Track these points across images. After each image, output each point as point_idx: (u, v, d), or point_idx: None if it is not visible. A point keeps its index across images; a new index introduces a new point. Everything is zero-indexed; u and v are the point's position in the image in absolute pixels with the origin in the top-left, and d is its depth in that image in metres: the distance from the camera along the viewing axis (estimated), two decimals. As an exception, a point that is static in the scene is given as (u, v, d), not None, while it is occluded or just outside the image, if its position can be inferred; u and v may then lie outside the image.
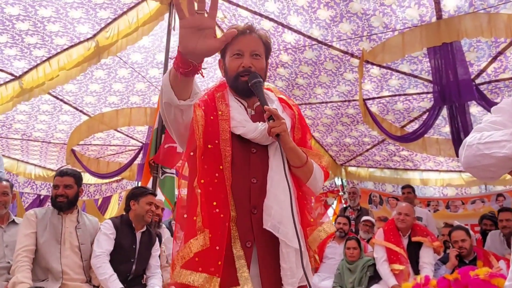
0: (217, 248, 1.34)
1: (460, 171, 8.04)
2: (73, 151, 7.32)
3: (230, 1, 4.67)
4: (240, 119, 1.50)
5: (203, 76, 1.31)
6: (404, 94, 5.81)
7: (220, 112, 1.51)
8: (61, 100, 6.28)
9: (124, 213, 3.40)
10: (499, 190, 7.47)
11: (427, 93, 5.63)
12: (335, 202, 9.07)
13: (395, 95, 5.86)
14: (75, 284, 2.93)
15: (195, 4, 1.19)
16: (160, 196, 4.43)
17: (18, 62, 5.20)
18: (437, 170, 8.41)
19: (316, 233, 1.49)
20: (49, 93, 5.94)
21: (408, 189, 6.37)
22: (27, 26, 4.70)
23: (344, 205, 7.55)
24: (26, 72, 5.34)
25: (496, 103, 5.01)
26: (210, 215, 1.36)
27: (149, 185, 4.52)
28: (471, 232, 4.32)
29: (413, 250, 4.30)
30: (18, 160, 8.92)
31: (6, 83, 5.45)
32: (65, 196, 3.06)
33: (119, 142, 8.20)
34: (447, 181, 8.29)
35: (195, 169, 1.41)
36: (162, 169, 4.70)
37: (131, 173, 8.24)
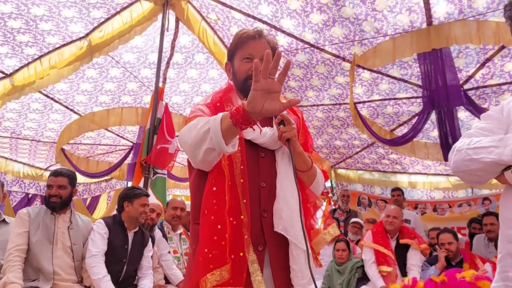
0: (232, 256, 1.35)
1: (447, 175, 8.16)
2: (62, 150, 7.28)
3: (223, 3, 4.69)
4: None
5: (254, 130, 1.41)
6: (394, 98, 5.88)
7: None
8: (52, 98, 6.24)
9: (117, 213, 3.40)
10: (485, 194, 7.59)
11: (417, 97, 5.71)
12: (325, 203, 9.14)
13: (385, 99, 5.93)
14: (67, 284, 2.92)
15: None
16: (151, 197, 4.43)
17: (9, 60, 5.16)
18: (425, 174, 8.53)
19: (321, 236, 1.53)
20: (40, 92, 5.90)
21: (398, 191, 6.45)
22: (19, 24, 4.68)
23: (333, 207, 7.61)
24: (17, 70, 5.29)
25: (483, 109, 5.12)
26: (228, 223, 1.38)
27: (140, 185, 4.51)
28: (459, 235, 4.40)
29: (401, 252, 4.37)
30: (6, 158, 8.83)
31: (-4, 81, 5.40)
32: (58, 197, 3.05)
33: (109, 142, 8.17)
34: (434, 185, 8.42)
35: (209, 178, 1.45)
36: (153, 170, 4.71)
37: (121, 172, 8.22)
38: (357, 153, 7.98)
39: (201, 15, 4.97)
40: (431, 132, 6.45)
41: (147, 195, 3.43)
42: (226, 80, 5.94)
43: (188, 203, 4.62)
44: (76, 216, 3.21)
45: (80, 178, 8.95)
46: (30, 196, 9.80)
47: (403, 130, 6.42)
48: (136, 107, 6.49)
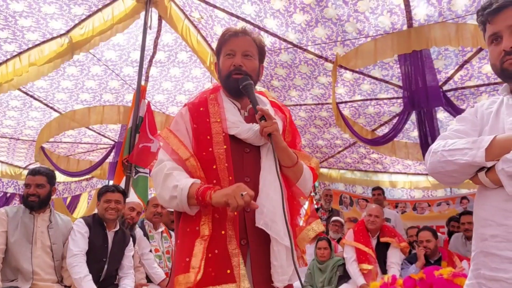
0: (216, 251, 1.39)
1: (427, 174, 8.29)
2: (42, 148, 7.16)
3: (207, 2, 4.68)
4: (234, 120, 1.55)
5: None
6: (376, 99, 5.96)
7: (212, 116, 1.56)
8: (32, 96, 6.13)
9: (96, 213, 3.38)
10: (463, 193, 7.76)
11: (397, 98, 5.80)
12: (307, 203, 9.19)
13: (366, 100, 6.01)
14: (46, 284, 2.89)
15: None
16: (133, 196, 4.40)
17: (-13, 56, 5.06)
18: (405, 173, 8.67)
19: (305, 232, 1.55)
20: (19, 89, 5.79)
21: (378, 190, 6.54)
22: (-2, 20, 4.59)
23: (316, 206, 7.67)
24: (-5, 67, 5.19)
25: (461, 109, 5.24)
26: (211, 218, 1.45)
27: (122, 184, 4.48)
28: (438, 233, 4.48)
29: (381, 251, 4.44)
30: (-17, 156, 8.65)
31: (-26, 78, 5.28)
32: (36, 196, 3.01)
33: (90, 140, 8.07)
34: (414, 184, 8.56)
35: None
36: (135, 169, 4.68)
37: (102, 171, 8.12)
38: (339, 152, 8.06)
39: (184, 13, 4.95)
40: (411, 132, 6.56)
41: (113, 191, 3.35)
42: (209, 79, 5.91)
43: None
44: (55, 215, 3.17)
45: (60, 177, 8.81)
46: (8, 195, 9.62)
47: (384, 130, 6.51)
48: (118, 105, 6.42)
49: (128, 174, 4.61)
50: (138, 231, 3.98)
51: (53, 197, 3.23)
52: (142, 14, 4.75)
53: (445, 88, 5.34)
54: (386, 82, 5.49)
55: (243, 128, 1.52)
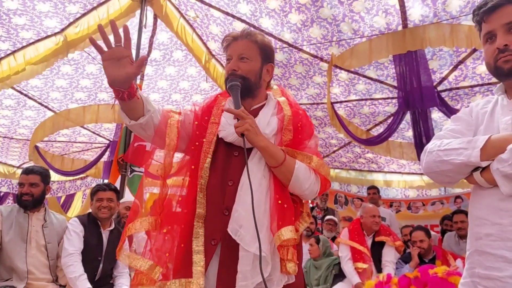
0: (167, 238, 1.46)
1: (421, 174, 8.34)
2: (36, 147, 7.12)
3: (202, 1, 4.68)
4: (223, 123, 1.57)
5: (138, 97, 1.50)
6: (370, 99, 5.99)
7: (212, 117, 1.59)
8: (26, 95, 6.09)
9: (91, 212, 3.37)
10: (457, 192, 7.80)
11: (392, 98, 5.83)
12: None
13: (361, 99, 6.03)
14: (41, 283, 2.88)
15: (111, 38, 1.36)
16: (128, 195, 4.39)
17: (-19, 54, 5.03)
18: (399, 172, 8.71)
19: (276, 236, 1.42)
20: (13, 88, 5.76)
21: (374, 190, 6.57)
22: (-9, 18, 4.56)
23: (311, 205, 7.69)
24: (-11, 65, 5.15)
25: (456, 110, 5.27)
26: (171, 212, 1.51)
27: (117, 183, 4.47)
28: (432, 232, 4.50)
29: (376, 249, 4.45)
30: (-23, 155, 8.59)
31: (-33, 76, 5.24)
32: (30, 195, 2.99)
33: (85, 139, 8.03)
34: (409, 183, 8.60)
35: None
36: (130, 168, 4.66)
37: (96, 170, 8.09)
38: (334, 152, 8.08)
39: (179, 12, 4.94)
40: (406, 132, 6.59)
41: (104, 190, 3.33)
42: (204, 78, 5.89)
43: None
44: (50, 214, 3.16)
45: (55, 176, 8.77)
46: (2, 194, 9.57)
47: (379, 129, 6.54)
48: (113, 104, 6.38)
49: (123, 173, 4.60)
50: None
51: (48, 196, 3.21)
52: (137, 12, 4.73)
53: (439, 88, 5.37)
54: (381, 82, 5.52)
55: (229, 131, 1.53)
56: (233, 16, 4.75)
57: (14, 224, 2.91)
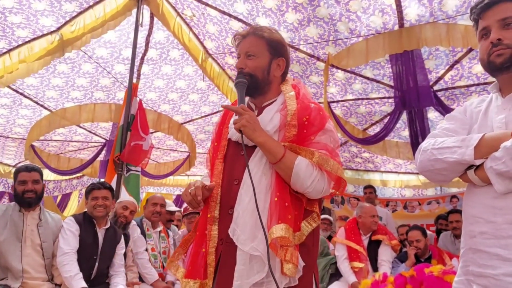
0: (196, 249, 1.55)
1: (417, 173, 8.36)
2: (32, 146, 7.09)
3: (199, 0, 4.67)
4: (230, 123, 1.58)
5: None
6: (367, 98, 5.99)
7: (228, 119, 1.64)
8: (21, 94, 6.07)
9: (86, 211, 3.36)
10: (453, 192, 7.83)
11: (389, 98, 5.84)
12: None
13: (358, 99, 6.04)
14: (36, 283, 2.87)
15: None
16: (124, 194, 4.38)
17: (-24, 53, 5.00)
18: (396, 172, 8.73)
19: (268, 234, 1.38)
20: (9, 87, 5.73)
21: (370, 189, 6.58)
22: (-13, 16, 4.54)
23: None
24: (-16, 64, 5.12)
25: (452, 109, 5.27)
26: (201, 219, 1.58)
27: (113, 182, 4.46)
28: (428, 232, 4.51)
29: (373, 248, 4.46)
30: (-28, 154, 8.55)
31: (-37, 74, 5.21)
32: (34, 192, 3.00)
33: (81, 138, 8.01)
34: (405, 183, 8.62)
35: None
36: (127, 167, 4.66)
37: (93, 170, 8.08)
38: (331, 151, 8.07)
39: (176, 11, 4.93)
40: (402, 131, 6.61)
41: (99, 188, 3.33)
42: (201, 77, 5.87)
43: (167, 201, 4.61)
44: (45, 213, 3.15)
45: (51, 175, 8.75)
46: (-2, 193, 9.53)
47: (375, 129, 6.55)
48: (109, 103, 6.39)
49: (120, 172, 4.59)
50: (136, 229, 3.93)
51: (44, 195, 3.21)
52: (134, 11, 4.73)
53: (435, 88, 5.39)
54: (378, 81, 5.53)
55: (233, 130, 1.54)
56: (229, 15, 4.75)
57: (9, 223, 2.90)
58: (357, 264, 4.33)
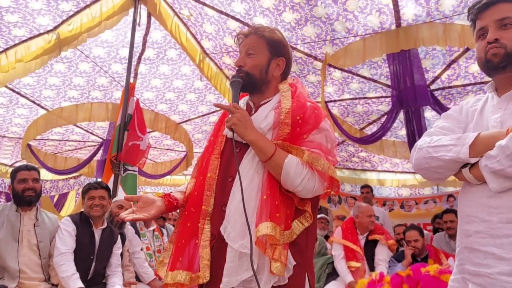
0: (183, 241, 1.52)
1: (414, 173, 8.38)
2: (29, 145, 7.07)
3: (196, 0, 4.67)
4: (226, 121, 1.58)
5: None
6: (364, 98, 6.00)
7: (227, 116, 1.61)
8: (18, 93, 6.06)
9: (83, 211, 3.36)
10: (450, 191, 7.85)
11: (386, 97, 5.85)
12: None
13: (355, 98, 6.05)
14: (33, 283, 2.87)
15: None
16: (121, 194, 4.37)
17: (-28, 52, 4.98)
18: (393, 171, 8.75)
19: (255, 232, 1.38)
20: (6, 86, 5.71)
21: (367, 188, 6.58)
22: (-17, 16, 4.52)
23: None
24: (-19, 63, 5.11)
25: (449, 109, 5.29)
26: (187, 212, 1.58)
27: (110, 182, 4.45)
28: (424, 231, 4.51)
29: (369, 248, 4.46)
30: (-31, 154, 8.52)
31: (-41, 74, 5.19)
32: (34, 190, 3.02)
33: (78, 138, 7.99)
34: (402, 182, 8.64)
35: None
36: (124, 167, 4.65)
37: (90, 169, 8.06)
38: (328, 150, 8.08)
39: (173, 10, 4.93)
40: (399, 131, 6.62)
41: (95, 188, 3.32)
42: (198, 76, 5.86)
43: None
44: (42, 213, 3.14)
45: (47, 175, 8.73)
46: (-6, 193, 9.50)
47: (373, 128, 6.56)
48: (106, 102, 6.37)
49: (117, 172, 4.58)
50: (130, 229, 3.92)
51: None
52: (131, 10, 4.72)
53: (432, 87, 5.40)
54: (375, 81, 5.54)
55: (226, 128, 1.55)
56: (227, 15, 4.75)
57: (5, 223, 2.90)
58: (354, 263, 4.34)
